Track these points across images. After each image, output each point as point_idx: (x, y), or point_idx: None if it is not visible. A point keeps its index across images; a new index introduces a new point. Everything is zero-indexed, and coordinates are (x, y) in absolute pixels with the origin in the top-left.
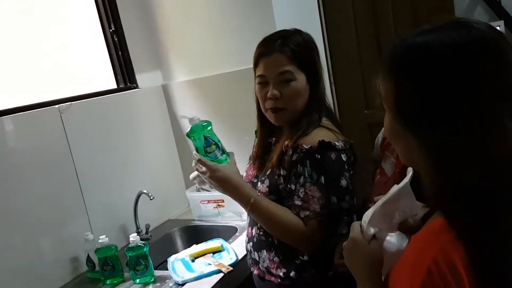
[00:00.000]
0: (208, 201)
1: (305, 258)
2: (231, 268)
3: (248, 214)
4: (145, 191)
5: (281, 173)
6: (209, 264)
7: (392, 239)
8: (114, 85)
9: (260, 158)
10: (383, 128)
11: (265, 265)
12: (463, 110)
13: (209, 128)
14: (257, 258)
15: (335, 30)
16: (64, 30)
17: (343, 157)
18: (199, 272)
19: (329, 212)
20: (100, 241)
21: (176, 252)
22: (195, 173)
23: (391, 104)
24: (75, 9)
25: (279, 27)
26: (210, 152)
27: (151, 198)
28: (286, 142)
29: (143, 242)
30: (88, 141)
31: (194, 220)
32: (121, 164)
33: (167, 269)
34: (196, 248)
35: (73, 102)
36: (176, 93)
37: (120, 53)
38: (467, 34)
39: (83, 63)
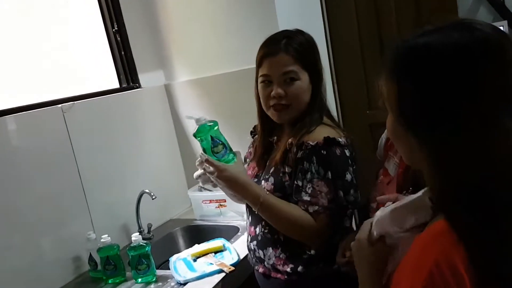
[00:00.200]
0: (210, 201)
1: (312, 252)
2: (233, 268)
3: (257, 213)
4: (147, 190)
5: (286, 170)
6: (211, 263)
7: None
8: (116, 85)
9: (262, 157)
10: (386, 129)
11: (271, 262)
12: (464, 111)
13: (215, 128)
14: (262, 256)
15: (337, 29)
16: (66, 30)
17: (347, 152)
18: (201, 272)
19: (337, 206)
20: (102, 240)
21: (178, 251)
22: (199, 171)
23: (393, 105)
24: (77, 8)
25: (281, 27)
26: (217, 152)
27: (153, 197)
28: (290, 140)
29: (145, 241)
30: (90, 141)
31: (196, 219)
32: (123, 164)
33: (169, 269)
34: (198, 248)
35: (75, 102)
36: (179, 92)
37: (122, 52)
38: (470, 35)
39: (86, 63)
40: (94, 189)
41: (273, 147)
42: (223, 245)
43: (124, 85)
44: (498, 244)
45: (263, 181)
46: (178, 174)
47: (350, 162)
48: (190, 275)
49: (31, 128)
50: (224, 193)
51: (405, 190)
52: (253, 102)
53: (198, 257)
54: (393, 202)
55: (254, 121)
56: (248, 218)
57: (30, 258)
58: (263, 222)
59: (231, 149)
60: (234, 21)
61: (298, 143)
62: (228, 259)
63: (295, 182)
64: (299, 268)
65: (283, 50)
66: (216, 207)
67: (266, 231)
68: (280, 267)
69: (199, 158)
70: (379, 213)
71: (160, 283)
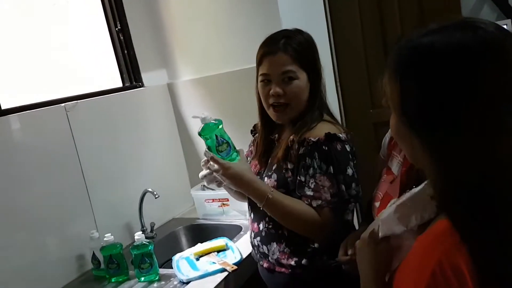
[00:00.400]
0: (213, 200)
1: (316, 245)
2: (235, 267)
3: (262, 209)
4: (150, 189)
5: (288, 166)
6: (214, 262)
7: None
8: (119, 84)
9: (263, 155)
10: (390, 128)
11: (275, 257)
12: (466, 111)
13: (220, 127)
14: (266, 252)
15: (341, 29)
16: (70, 29)
17: (347, 147)
18: (204, 271)
19: (339, 199)
20: (105, 239)
21: (181, 250)
22: (205, 171)
23: (396, 105)
24: (80, 8)
25: (284, 26)
26: (221, 151)
27: (156, 196)
28: (292, 137)
29: (148, 240)
30: (93, 140)
31: (198, 218)
32: (126, 163)
33: (171, 268)
34: (200, 247)
35: (79, 101)
36: (182, 91)
37: (125, 51)
38: (472, 35)
39: (89, 62)
40: (97, 188)
41: (274, 145)
42: (226, 244)
43: (127, 84)
44: (499, 244)
45: (266, 178)
46: (181, 173)
47: (351, 157)
48: (193, 274)
49: (35, 127)
50: (226, 193)
51: (408, 189)
52: (255, 101)
53: (200, 256)
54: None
55: (257, 120)
56: (251, 215)
57: (33, 256)
58: (267, 218)
59: (234, 148)
60: (237, 20)
61: (299, 140)
62: (231, 258)
63: (298, 177)
64: (303, 261)
65: (282, 49)
66: (219, 206)
67: (270, 226)
68: (284, 261)
69: (205, 158)
70: (384, 213)
71: (163, 282)
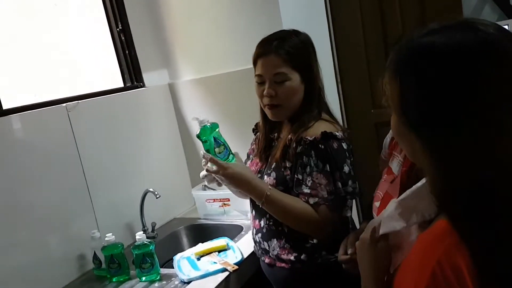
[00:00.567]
0: (214, 200)
1: (315, 241)
2: (236, 267)
3: (261, 207)
4: (151, 189)
5: (287, 165)
6: (215, 262)
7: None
8: (120, 84)
9: (264, 153)
10: (391, 128)
11: (275, 252)
12: (465, 112)
13: (217, 129)
14: (267, 248)
15: (342, 29)
16: (71, 30)
17: (344, 145)
18: (205, 271)
19: (336, 197)
20: (106, 239)
21: (182, 250)
22: (206, 171)
23: (396, 105)
24: (81, 8)
25: (285, 27)
26: (219, 153)
27: (157, 196)
28: (290, 136)
29: (149, 240)
30: (95, 140)
31: (200, 218)
32: (127, 163)
33: (173, 267)
34: (201, 247)
35: (80, 101)
36: (183, 92)
37: (127, 52)
38: (473, 35)
39: (90, 62)
40: (98, 188)
41: (274, 143)
42: (227, 244)
43: (128, 84)
44: (499, 244)
45: (265, 176)
46: (182, 173)
47: (347, 154)
48: (194, 273)
49: (36, 127)
50: (227, 193)
51: (408, 189)
52: (256, 101)
53: (202, 256)
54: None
55: (257, 119)
56: (252, 212)
57: (35, 256)
58: (268, 215)
59: (230, 150)
60: (238, 20)
61: (297, 139)
62: (232, 258)
63: (296, 176)
64: (302, 257)
65: (274, 51)
66: (220, 206)
67: (270, 223)
68: (284, 257)
69: (204, 159)
70: (386, 211)
71: (164, 282)
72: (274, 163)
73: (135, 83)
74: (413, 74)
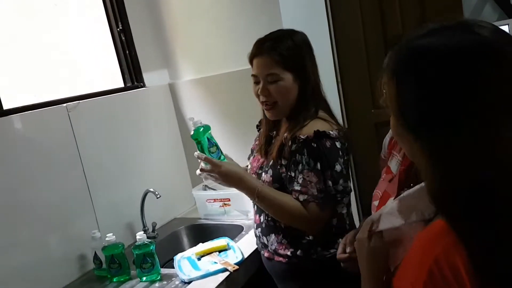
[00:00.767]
0: (214, 200)
1: (311, 238)
2: (237, 267)
3: (253, 203)
4: (151, 189)
5: (282, 162)
6: (215, 262)
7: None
8: (121, 84)
9: (265, 149)
10: (390, 128)
11: (273, 247)
12: (465, 113)
13: (209, 131)
14: (265, 242)
15: (342, 29)
16: (71, 30)
17: (338, 144)
18: (205, 271)
19: (326, 195)
20: (107, 239)
21: (183, 250)
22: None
23: (394, 105)
24: (82, 8)
25: (286, 26)
26: (213, 152)
27: (158, 196)
28: (286, 134)
29: (149, 240)
30: (95, 140)
31: (200, 218)
32: (128, 163)
33: (173, 267)
34: (202, 247)
35: (80, 101)
36: (183, 92)
37: (127, 52)
38: (471, 37)
39: (91, 62)
40: (99, 188)
41: (273, 140)
42: (227, 244)
43: (128, 85)
44: (498, 244)
45: (263, 173)
46: (183, 173)
47: (340, 153)
48: (195, 273)
49: (36, 127)
50: (228, 193)
51: (406, 187)
52: (256, 100)
53: (202, 256)
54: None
55: (258, 119)
56: (254, 207)
57: (35, 256)
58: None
59: (221, 151)
60: (238, 20)
61: (292, 137)
62: (232, 258)
63: (289, 173)
64: (298, 252)
65: (266, 52)
66: (220, 206)
67: (269, 219)
68: (281, 252)
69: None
70: (387, 207)
71: (164, 282)
72: (271, 161)
73: (136, 83)
74: (412, 75)
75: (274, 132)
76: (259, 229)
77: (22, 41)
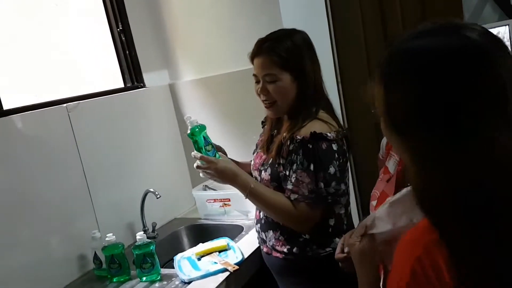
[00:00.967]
0: (215, 200)
1: (307, 236)
2: (237, 267)
3: (246, 198)
4: (151, 189)
5: (281, 161)
6: (215, 262)
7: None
8: (121, 84)
9: (268, 146)
10: None
11: (271, 243)
12: (447, 115)
13: (205, 130)
14: (264, 238)
15: (342, 29)
16: (71, 30)
17: (334, 146)
18: (205, 271)
19: (317, 196)
20: (107, 239)
21: (183, 250)
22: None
23: (382, 109)
24: (82, 8)
25: (286, 26)
26: (208, 151)
27: (158, 196)
28: (284, 134)
29: (149, 240)
30: (95, 140)
31: (200, 218)
32: (128, 163)
33: (173, 267)
34: (202, 247)
35: (80, 101)
36: (183, 92)
37: (127, 52)
38: (459, 40)
39: (91, 62)
40: (99, 188)
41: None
42: (228, 244)
43: (128, 85)
44: (479, 245)
45: (262, 171)
46: (183, 173)
47: (336, 156)
48: (195, 274)
49: (37, 127)
50: (228, 193)
51: (403, 187)
52: (256, 101)
53: (202, 256)
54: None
55: (258, 120)
56: None
57: (35, 256)
58: None
59: (216, 150)
60: (239, 20)
61: (290, 137)
62: (232, 258)
63: (284, 171)
64: (294, 250)
65: (265, 52)
66: (220, 206)
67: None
68: (278, 248)
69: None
70: (379, 211)
71: (164, 282)
72: (270, 159)
73: (136, 83)
74: (398, 77)
75: (276, 131)
76: (259, 225)
77: (22, 41)
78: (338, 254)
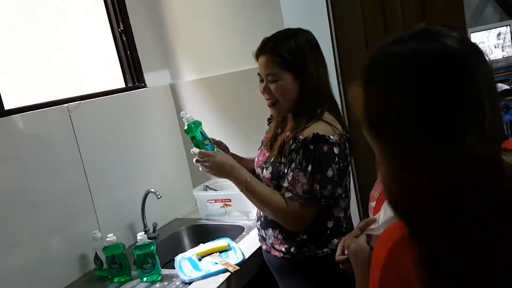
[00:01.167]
0: (215, 200)
1: (305, 237)
2: (237, 268)
3: (241, 192)
4: (152, 190)
5: (282, 160)
6: (216, 263)
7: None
8: (122, 85)
9: (270, 144)
10: None
11: (270, 241)
12: (423, 121)
13: (201, 126)
14: (264, 235)
15: (343, 29)
16: (72, 30)
17: (335, 150)
18: (206, 271)
19: (310, 197)
20: (108, 239)
21: (183, 251)
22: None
23: (360, 110)
24: (83, 8)
25: (287, 26)
26: (206, 145)
27: (159, 197)
28: (288, 133)
29: (150, 240)
30: (96, 140)
31: (201, 219)
32: (129, 163)
33: (174, 268)
34: (203, 247)
35: (81, 101)
36: (184, 92)
37: (128, 52)
38: (436, 46)
39: (92, 63)
40: (99, 188)
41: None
42: (228, 245)
43: (129, 85)
44: (444, 242)
45: (264, 169)
46: (184, 174)
47: (337, 159)
48: (195, 274)
49: (38, 127)
50: (229, 193)
51: None
52: (258, 101)
53: (203, 257)
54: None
55: (259, 120)
56: None
57: (36, 256)
58: None
59: (213, 144)
60: (240, 20)
61: (293, 137)
62: (233, 258)
63: (283, 169)
64: (292, 249)
65: (267, 52)
66: (221, 206)
67: None
68: (277, 246)
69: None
70: (383, 213)
71: (165, 282)
72: (272, 158)
73: (137, 83)
74: (376, 81)
75: (280, 129)
76: (259, 222)
77: (23, 41)
78: (338, 256)
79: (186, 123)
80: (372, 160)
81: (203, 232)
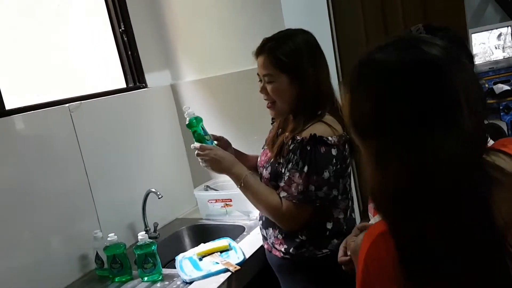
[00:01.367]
0: (216, 200)
1: (303, 237)
2: (238, 267)
3: (239, 188)
4: (153, 189)
5: (281, 161)
6: (217, 263)
7: None
8: (123, 85)
9: (271, 144)
10: None
11: (271, 241)
12: (401, 123)
13: (202, 122)
14: (265, 235)
15: (344, 29)
16: (73, 30)
17: (333, 151)
18: (207, 271)
19: (305, 197)
20: (108, 239)
21: (184, 250)
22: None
23: (348, 116)
24: (84, 9)
25: (288, 26)
26: (208, 140)
27: (160, 196)
28: (287, 134)
29: (151, 240)
30: (97, 140)
31: (202, 219)
32: (130, 163)
33: (175, 268)
34: (204, 247)
35: (83, 102)
36: (185, 92)
37: (129, 52)
38: (416, 54)
39: (93, 63)
40: (100, 188)
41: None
42: (229, 245)
43: (130, 85)
44: (419, 240)
45: (264, 170)
46: (184, 173)
47: (334, 161)
48: (196, 274)
49: (39, 127)
50: (229, 193)
51: None
52: (259, 101)
53: (204, 256)
54: None
55: (259, 120)
56: None
57: (37, 256)
58: None
59: (213, 141)
60: (240, 20)
61: (291, 137)
62: (234, 258)
63: (281, 169)
64: (291, 250)
65: (265, 53)
66: (222, 206)
67: None
68: (277, 246)
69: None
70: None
71: (166, 282)
72: (272, 158)
73: (138, 83)
74: (360, 86)
75: (280, 130)
76: (260, 222)
77: (24, 41)
78: (341, 257)
79: (188, 118)
80: None
81: (203, 232)
